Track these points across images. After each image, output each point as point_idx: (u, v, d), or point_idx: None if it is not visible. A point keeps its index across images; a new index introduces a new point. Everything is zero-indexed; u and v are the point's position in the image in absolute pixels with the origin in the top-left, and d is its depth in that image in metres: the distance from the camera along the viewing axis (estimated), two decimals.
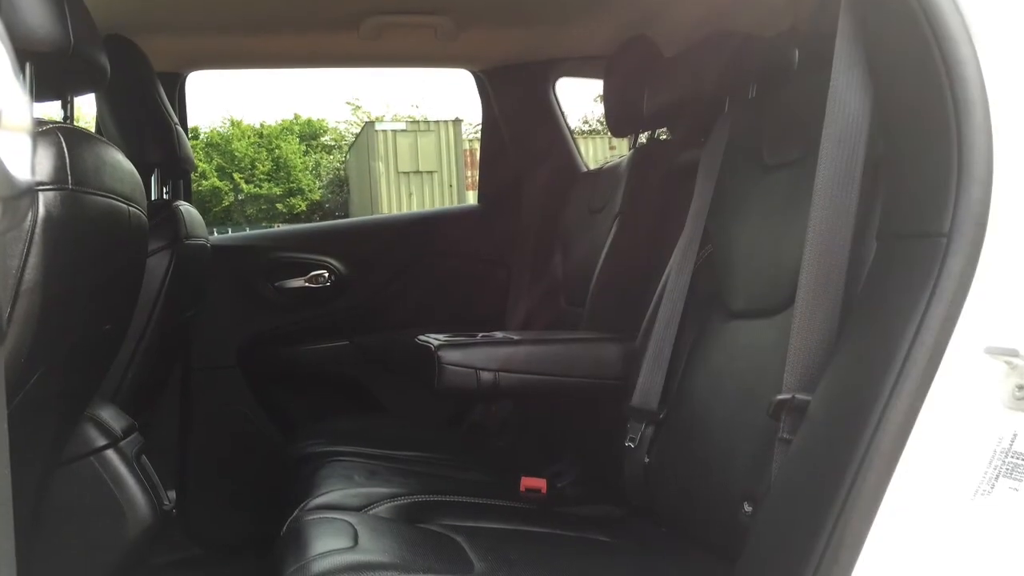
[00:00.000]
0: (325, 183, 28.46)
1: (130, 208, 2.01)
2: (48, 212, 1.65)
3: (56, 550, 2.10)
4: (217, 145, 26.47)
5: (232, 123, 28.08)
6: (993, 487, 1.28)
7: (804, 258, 1.56)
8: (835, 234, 1.53)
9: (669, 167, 2.77)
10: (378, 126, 22.54)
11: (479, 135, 4.15)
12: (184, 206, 2.92)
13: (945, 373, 1.29)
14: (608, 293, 2.54)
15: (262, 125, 28.54)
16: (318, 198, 27.50)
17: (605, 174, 3.21)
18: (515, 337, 2.60)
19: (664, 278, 2.24)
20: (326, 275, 3.66)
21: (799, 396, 1.51)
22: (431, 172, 21.93)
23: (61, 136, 1.70)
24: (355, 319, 3.71)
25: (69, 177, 1.71)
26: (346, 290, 3.70)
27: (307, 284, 3.64)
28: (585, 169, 3.74)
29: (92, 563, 2.14)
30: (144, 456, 2.28)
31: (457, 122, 22.41)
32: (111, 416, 2.21)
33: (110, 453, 2.17)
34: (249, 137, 27.68)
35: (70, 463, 2.14)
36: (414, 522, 2.03)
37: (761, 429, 1.62)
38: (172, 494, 2.30)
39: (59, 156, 1.76)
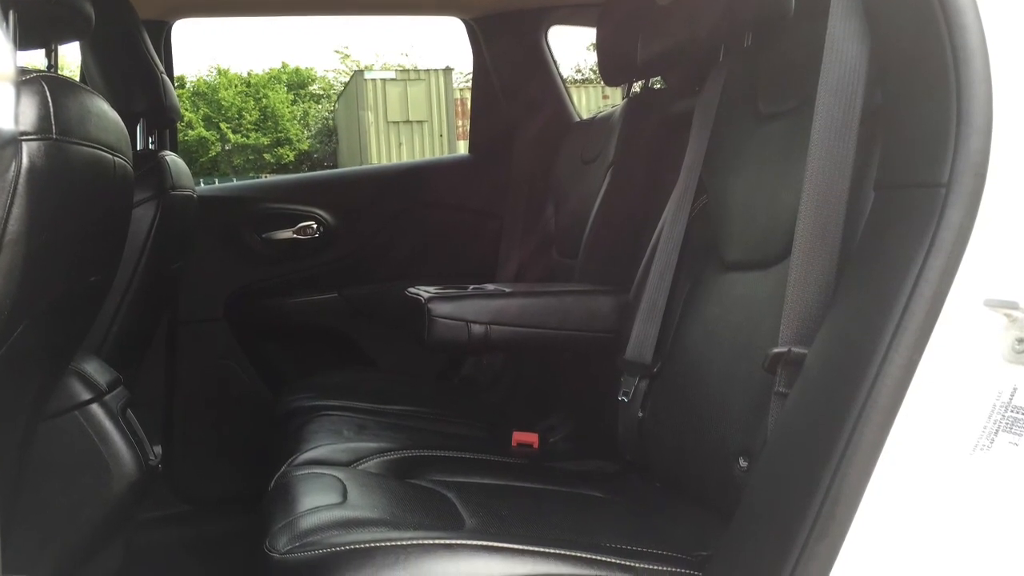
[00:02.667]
0: (313, 133, 28.37)
1: (115, 158, 1.98)
2: (32, 162, 1.62)
3: (40, 506, 2.09)
4: (204, 94, 26.33)
5: (219, 72, 27.92)
6: (992, 442, 1.27)
7: (800, 209, 1.54)
8: (832, 184, 1.51)
9: (663, 117, 2.75)
10: (367, 75, 22.44)
11: (470, 84, 4.12)
12: (170, 156, 2.89)
13: (944, 326, 1.28)
14: (601, 245, 2.51)
15: (249, 74, 28.41)
16: (306, 148, 27.41)
17: (598, 124, 3.18)
18: (507, 289, 2.58)
19: (658, 229, 2.22)
20: (314, 226, 3.63)
21: (795, 349, 1.49)
22: (421, 122, 21.86)
23: (45, 85, 1.67)
24: (344, 271, 3.68)
25: (53, 127, 1.68)
26: (335, 242, 3.67)
27: (295, 235, 3.60)
28: (578, 119, 3.70)
29: (76, 519, 2.12)
30: (129, 410, 2.26)
31: (448, 71, 22.32)
32: (96, 370, 2.19)
33: (95, 407, 2.15)
34: (236, 86, 27.55)
35: (54, 418, 2.12)
36: (404, 477, 2.01)
37: (757, 383, 1.60)
38: (158, 449, 2.29)
39: (43, 105, 1.73)
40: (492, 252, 3.71)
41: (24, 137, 1.64)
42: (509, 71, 3.81)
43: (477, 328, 2.40)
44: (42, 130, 1.69)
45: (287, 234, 3.61)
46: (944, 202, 1.28)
